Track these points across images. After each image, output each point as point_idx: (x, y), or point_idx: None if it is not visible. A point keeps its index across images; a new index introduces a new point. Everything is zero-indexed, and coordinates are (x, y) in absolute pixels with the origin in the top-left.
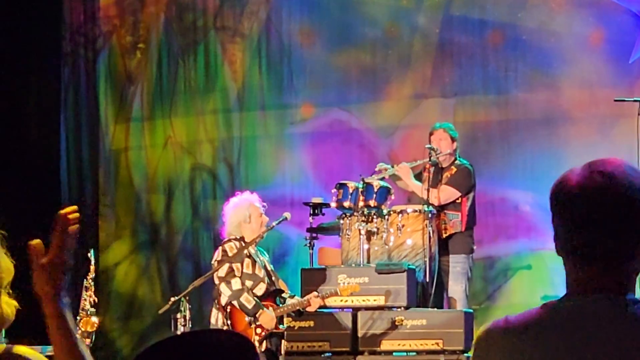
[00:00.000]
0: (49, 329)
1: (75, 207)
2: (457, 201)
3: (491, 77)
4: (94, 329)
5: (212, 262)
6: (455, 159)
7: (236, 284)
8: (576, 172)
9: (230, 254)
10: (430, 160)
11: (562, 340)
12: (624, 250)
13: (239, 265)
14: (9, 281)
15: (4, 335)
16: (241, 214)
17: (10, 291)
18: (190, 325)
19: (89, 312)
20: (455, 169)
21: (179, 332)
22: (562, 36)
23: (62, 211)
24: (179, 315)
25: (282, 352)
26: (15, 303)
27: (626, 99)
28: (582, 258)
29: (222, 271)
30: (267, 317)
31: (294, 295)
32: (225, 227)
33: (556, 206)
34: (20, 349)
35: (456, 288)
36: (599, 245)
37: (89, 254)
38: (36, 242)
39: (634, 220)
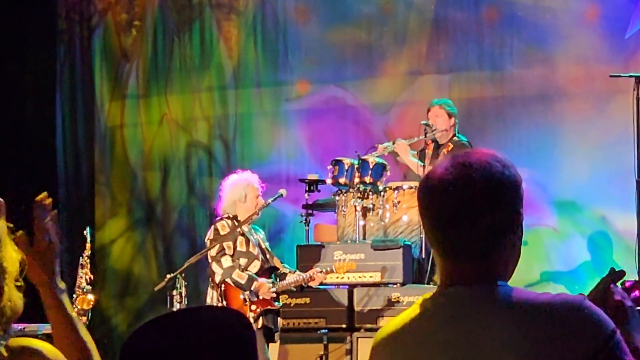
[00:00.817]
0: (48, 315)
1: (46, 193)
2: None
3: (486, 53)
4: (90, 306)
5: (205, 240)
6: (454, 135)
7: (226, 261)
8: (441, 165)
9: (222, 233)
10: (425, 136)
11: (431, 336)
12: (486, 243)
13: (230, 243)
14: (17, 273)
15: None
16: (237, 192)
17: (21, 283)
18: (186, 302)
19: (84, 290)
20: (452, 145)
21: (174, 309)
22: (557, 12)
23: (37, 198)
24: (174, 292)
25: (279, 328)
26: (20, 295)
27: (622, 75)
28: (446, 251)
29: (214, 250)
30: (264, 287)
31: (295, 271)
32: (220, 202)
33: (422, 201)
34: (32, 342)
35: None
36: (460, 240)
37: (84, 232)
38: (19, 234)
39: (493, 210)
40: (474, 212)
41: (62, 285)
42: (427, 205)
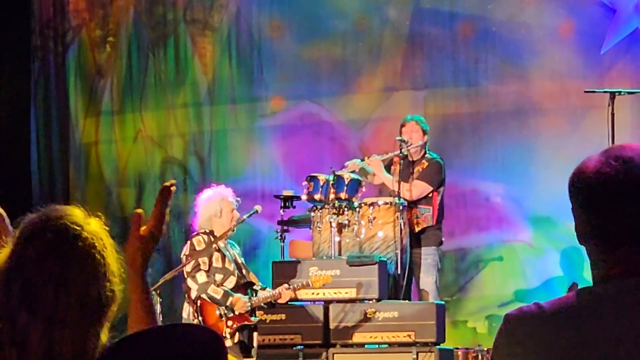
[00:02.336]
0: (132, 298)
1: (174, 181)
2: (429, 196)
3: (461, 69)
4: None
5: (181, 256)
6: (425, 152)
7: (201, 277)
8: (593, 159)
9: (198, 248)
10: (400, 152)
11: (599, 327)
12: None
13: (205, 259)
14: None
15: None
16: (212, 207)
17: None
18: (161, 319)
19: None
20: (426, 163)
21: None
22: (532, 27)
23: (166, 183)
24: None
25: (255, 344)
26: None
27: (597, 90)
28: (606, 243)
29: (189, 266)
30: (240, 302)
31: (265, 287)
32: (196, 218)
33: (576, 195)
34: None
35: (427, 280)
36: (623, 229)
37: None
38: (140, 210)
39: None
40: (635, 204)
41: (148, 272)
42: (585, 197)
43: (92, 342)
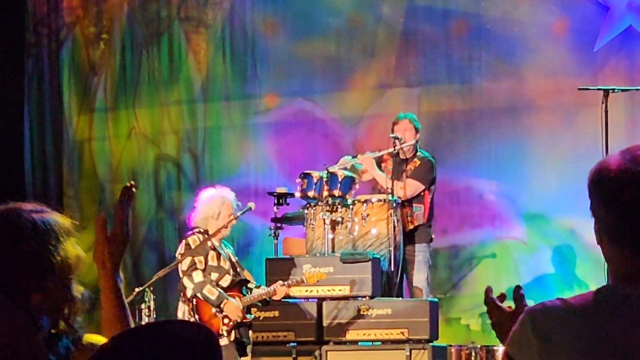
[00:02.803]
0: (103, 300)
1: (134, 182)
2: (421, 194)
3: (455, 66)
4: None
5: (177, 255)
6: (417, 151)
7: (198, 276)
8: (616, 158)
9: (193, 247)
10: (394, 149)
11: (622, 326)
12: None
13: (201, 258)
14: (78, 269)
15: None
16: (211, 209)
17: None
18: (154, 316)
19: None
20: (418, 162)
21: (143, 323)
22: (526, 25)
23: (127, 184)
24: (143, 306)
25: (251, 342)
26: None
27: (590, 88)
28: (631, 244)
29: (185, 265)
30: (232, 307)
31: (260, 285)
32: (193, 213)
33: (600, 194)
34: (92, 338)
35: (419, 277)
36: None
37: None
38: (101, 215)
39: None
40: None
41: (121, 274)
42: (612, 196)
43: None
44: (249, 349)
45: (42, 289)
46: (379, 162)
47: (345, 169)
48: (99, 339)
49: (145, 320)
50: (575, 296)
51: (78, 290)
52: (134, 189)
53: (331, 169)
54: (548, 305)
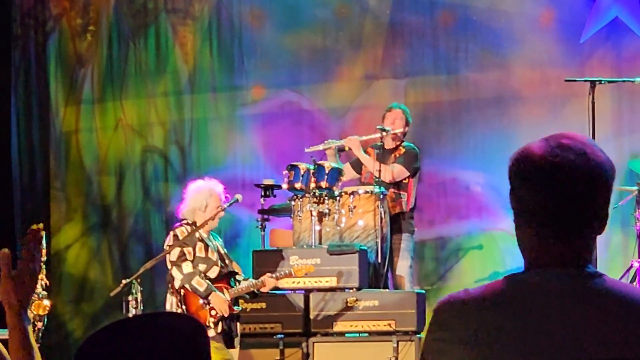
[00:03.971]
0: (9, 337)
1: (42, 225)
2: (404, 181)
3: (442, 57)
4: (46, 312)
5: (165, 246)
6: (402, 142)
7: (187, 267)
8: (539, 145)
9: (180, 238)
10: (381, 140)
11: (524, 314)
12: (586, 223)
13: (190, 249)
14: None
15: None
16: (199, 200)
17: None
18: (141, 308)
19: (40, 295)
20: (403, 150)
21: (130, 315)
22: (512, 16)
23: (33, 227)
24: (130, 298)
25: (238, 333)
26: None
27: (577, 79)
28: (544, 229)
29: (174, 255)
30: (219, 300)
31: (248, 279)
32: (182, 205)
33: (520, 179)
34: None
35: (403, 263)
36: (567, 216)
37: None
38: (4, 251)
39: (599, 192)
40: (583, 193)
41: (29, 315)
42: (532, 182)
43: None
44: (236, 340)
45: None
46: (364, 151)
47: (329, 149)
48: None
49: (132, 312)
50: (481, 286)
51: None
52: (41, 233)
53: (319, 161)
54: (452, 296)
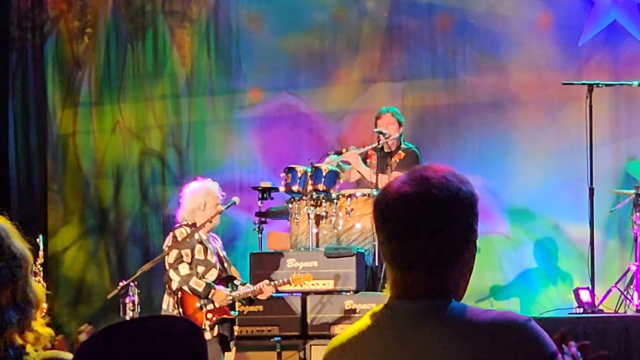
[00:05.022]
0: None
1: None
2: None
3: (439, 61)
4: (43, 314)
5: (164, 247)
6: (401, 144)
7: (184, 269)
8: (398, 179)
9: (180, 239)
10: (379, 144)
11: (379, 350)
12: (440, 257)
13: (188, 251)
14: (32, 264)
15: None
16: (197, 200)
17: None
18: (139, 310)
19: None
20: (403, 154)
21: (127, 317)
22: (510, 20)
23: None
24: (127, 300)
25: (234, 337)
26: (39, 286)
27: (574, 82)
28: (399, 266)
29: (171, 257)
30: (221, 295)
31: (245, 283)
32: (180, 210)
33: (378, 213)
34: (62, 354)
35: None
36: (415, 252)
37: (37, 240)
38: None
39: (448, 225)
40: (429, 226)
41: None
42: (383, 216)
43: None
44: (232, 344)
45: (15, 281)
46: (364, 158)
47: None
48: (66, 355)
49: (129, 314)
50: (351, 326)
51: (36, 285)
52: None
53: (316, 164)
54: (331, 344)
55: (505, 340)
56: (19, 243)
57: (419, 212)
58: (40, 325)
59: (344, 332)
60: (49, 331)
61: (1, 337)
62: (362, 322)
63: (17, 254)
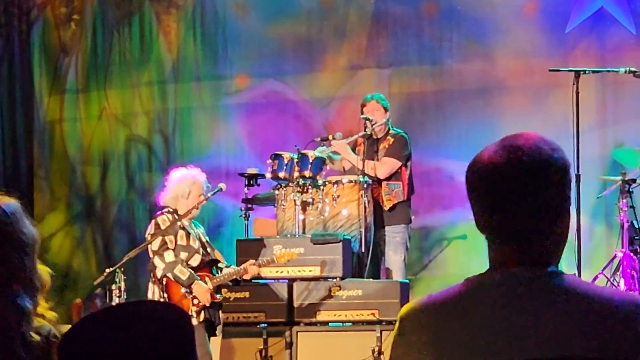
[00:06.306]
0: None
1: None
2: (398, 171)
3: (426, 47)
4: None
5: (146, 235)
6: (389, 129)
7: (169, 256)
8: (489, 148)
9: (162, 227)
10: (365, 130)
11: (485, 315)
12: (538, 226)
13: (172, 237)
14: (39, 248)
15: None
16: (182, 188)
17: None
18: (125, 297)
19: None
20: (392, 139)
21: (114, 304)
22: (496, 6)
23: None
24: (114, 287)
25: (221, 322)
26: (46, 268)
27: (561, 69)
28: (498, 235)
29: (156, 244)
30: (201, 289)
31: (230, 266)
32: (163, 193)
33: (471, 184)
34: (63, 327)
35: (395, 258)
36: (513, 222)
37: None
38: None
39: (542, 192)
40: (523, 195)
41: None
42: (476, 188)
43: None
44: (218, 329)
45: (25, 269)
46: (354, 146)
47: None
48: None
49: (116, 300)
50: (443, 290)
51: (43, 269)
52: None
53: (302, 150)
54: (416, 302)
55: (628, 319)
56: (28, 224)
57: (511, 181)
58: (44, 309)
59: (432, 295)
60: (53, 314)
61: (21, 327)
62: (456, 289)
63: (26, 240)
